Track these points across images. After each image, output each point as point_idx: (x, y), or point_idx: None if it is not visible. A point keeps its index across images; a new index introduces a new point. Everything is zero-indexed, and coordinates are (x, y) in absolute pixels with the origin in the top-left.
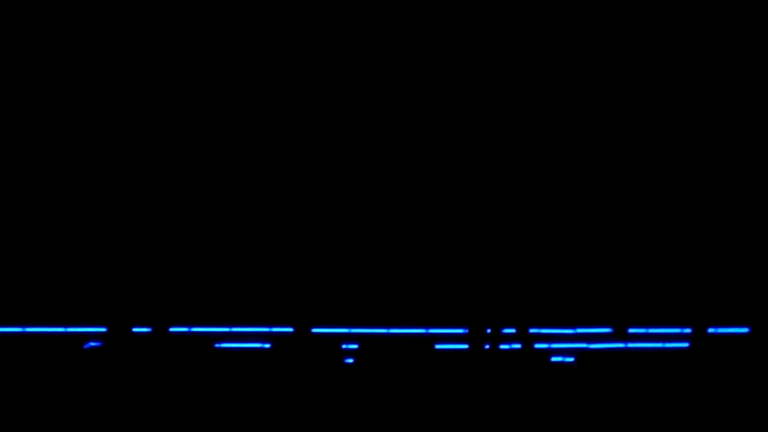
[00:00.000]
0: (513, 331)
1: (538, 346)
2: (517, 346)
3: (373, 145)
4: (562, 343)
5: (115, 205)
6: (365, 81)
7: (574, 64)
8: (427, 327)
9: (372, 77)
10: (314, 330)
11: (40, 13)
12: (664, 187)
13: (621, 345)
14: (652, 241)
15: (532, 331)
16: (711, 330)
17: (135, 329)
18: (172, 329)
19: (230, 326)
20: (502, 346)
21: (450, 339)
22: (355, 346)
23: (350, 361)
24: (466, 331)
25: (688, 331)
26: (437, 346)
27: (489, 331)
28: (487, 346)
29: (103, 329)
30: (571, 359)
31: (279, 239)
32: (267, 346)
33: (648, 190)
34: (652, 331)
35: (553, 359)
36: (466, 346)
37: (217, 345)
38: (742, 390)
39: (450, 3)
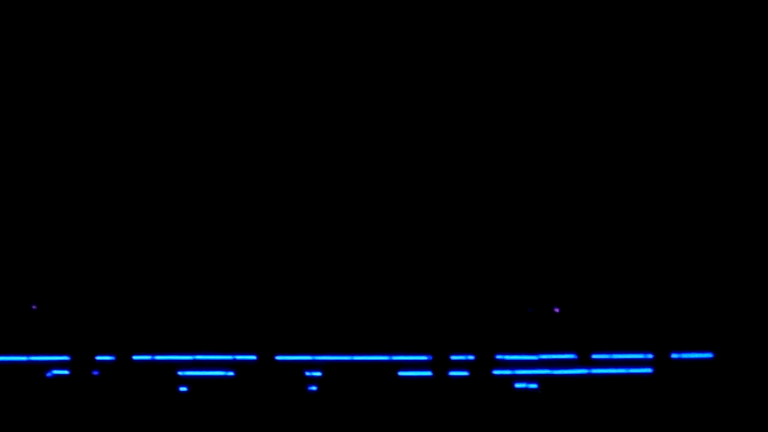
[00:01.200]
0: (474, 357)
1: (500, 372)
2: (481, 372)
3: (327, 170)
4: (525, 369)
5: (77, 230)
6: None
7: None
8: (390, 354)
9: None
10: (278, 357)
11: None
12: (626, 210)
13: (584, 371)
14: (614, 266)
15: (496, 357)
16: (674, 355)
17: (98, 357)
18: (135, 357)
19: (194, 354)
20: (465, 373)
21: (413, 366)
22: (318, 374)
23: (314, 388)
24: (430, 358)
25: (650, 356)
26: (401, 374)
27: (453, 358)
28: (451, 373)
29: (67, 357)
30: (534, 386)
31: (241, 266)
32: (231, 374)
33: (609, 215)
34: (615, 356)
35: (517, 385)
36: (429, 373)
37: (180, 373)
38: (706, 415)
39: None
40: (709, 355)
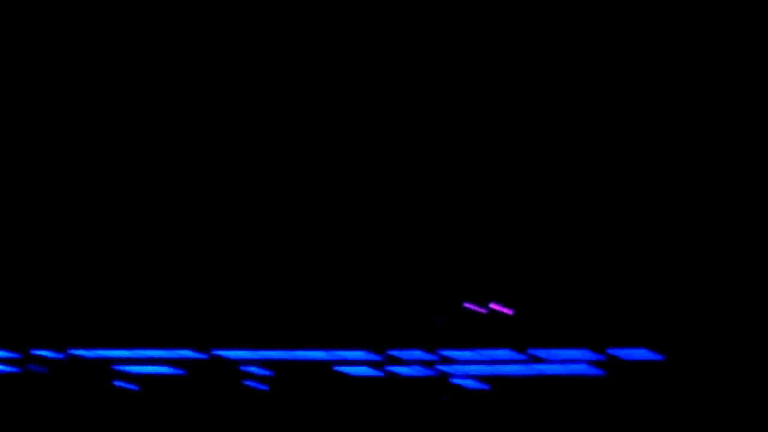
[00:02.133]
0: (420, 353)
1: (443, 368)
2: (424, 369)
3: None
4: (469, 366)
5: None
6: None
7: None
8: (329, 350)
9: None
10: (216, 353)
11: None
12: (583, 210)
13: (531, 371)
14: (565, 263)
15: (441, 353)
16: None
17: (34, 351)
18: (72, 352)
19: (131, 349)
20: (407, 370)
21: (352, 363)
22: (256, 370)
23: (252, 384)
24: (368, 354)
25: (600, 357)
26: (336, 369)
27: (393, 353)
28: (392, 369)
29: (2, 353)
30: (479, 384)
31: (185, 260)
32: (169, 370)
33: (566, 213)
34: (562, 354)
35: (459, 382)
36: (367, 370)
37: (116, 368)
38: (656, 417)
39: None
40: (659, 357)
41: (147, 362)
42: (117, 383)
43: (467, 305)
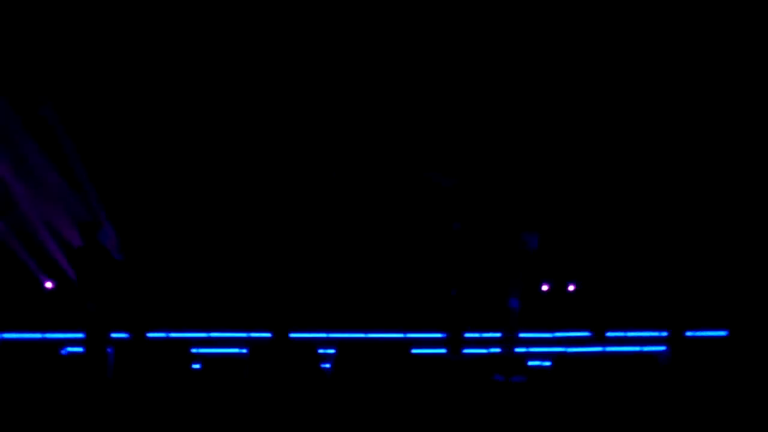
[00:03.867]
0: (496, 335)
1: (517, 350)
2: (497, 350)
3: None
4: (540, 347)
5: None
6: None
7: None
8: (405, 332)
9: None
10: (292, 335)
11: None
12: (643, 193)
13: (599, 349)
14: (631, 247)
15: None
16: (689, 333)
17: (113, 335)
18: (150, 335)
19: (208, 332)
20: (481, 350)
21: (427, 343)
22: (332, 351)
23: (327, 366)
24: (445, 335)
25: (665, 334)
26: (414, 351)
27: (467, 335)
28: (466, 350)
29: (81, 335)
30: (548, 363)
31: (257, 246)
32: (244, 351)
33: (624, 196)
34: (630, 334)
35: (531, 363)
36: (443, 351)
37: (193, 350)
38: (721, 392)
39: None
40: (723, 332)
41: (224, 343)
42: (194, 365)
43: (543, 287)
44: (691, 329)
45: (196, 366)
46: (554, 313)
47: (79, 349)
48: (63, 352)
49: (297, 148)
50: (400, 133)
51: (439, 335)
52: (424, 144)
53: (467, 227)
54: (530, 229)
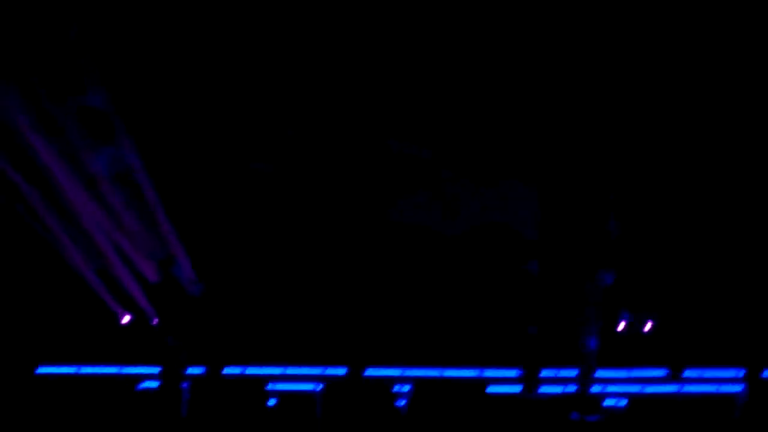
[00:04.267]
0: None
1: (593, 389)
2: (573, 388)
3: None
4: (616, 385)
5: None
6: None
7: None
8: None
9: None
10: (368, 372)
11: None
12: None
13: (675, 388)
14: (708, 283)
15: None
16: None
17: (189, 370)
18: (225, 371)
19: (283, 366)
20: (557, 389)
21: (503, 381)
22: (407, 389)
23: (402, 403)
24: (520, 373)
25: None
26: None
27: (544, 373)
28: (542, 389)
29: (157, 369)
30: (624, 402)
31: (332, 282)
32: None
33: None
34: (707, 374)
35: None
36: (518, 389)
37: (269, 386)
38: None
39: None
40: None
41: (296, 379)
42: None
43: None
44: None
45: (272, 402)
46: (630, 351)
47: (155, 385)
48: (139, 387)
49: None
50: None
51: (514, 373)
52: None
53: (544, 266)
54: (606, 266)
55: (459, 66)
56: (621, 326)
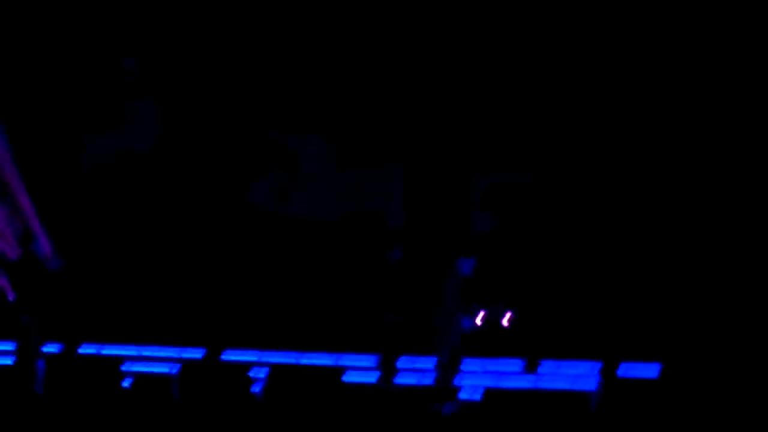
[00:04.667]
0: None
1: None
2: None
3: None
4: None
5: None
6: None
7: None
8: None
9: None
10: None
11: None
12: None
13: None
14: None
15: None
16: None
17: (44, 348)
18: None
19: (140, 347)
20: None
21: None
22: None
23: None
24: (377, 361)
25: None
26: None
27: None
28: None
29: (12, 346)
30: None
31: (192, 264)
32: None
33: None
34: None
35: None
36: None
37: (124, 367)
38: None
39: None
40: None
41: (153, 360)
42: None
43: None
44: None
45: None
46: (487, 342)
47: (9, 361)
48: None
49: None
50: None
51: (371, 361)
52: None
53: (406, 254)
54: (466, 256)
55: (320, 44)
56: (479, 317)
